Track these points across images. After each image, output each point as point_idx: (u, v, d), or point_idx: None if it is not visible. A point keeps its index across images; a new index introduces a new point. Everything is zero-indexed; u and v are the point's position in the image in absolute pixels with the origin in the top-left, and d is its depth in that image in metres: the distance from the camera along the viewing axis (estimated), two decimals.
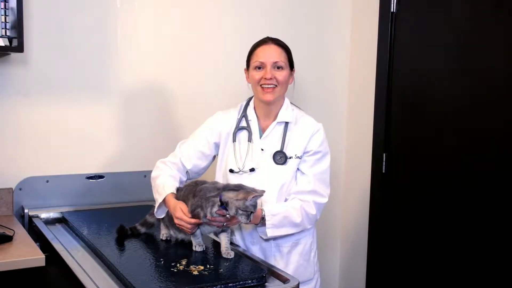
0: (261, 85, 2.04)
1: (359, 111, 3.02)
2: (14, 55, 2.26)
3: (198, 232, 1.88)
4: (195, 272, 1.65)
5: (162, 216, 1.99)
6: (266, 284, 1.67)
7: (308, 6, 2.94)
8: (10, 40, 2.02)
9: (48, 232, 2.09)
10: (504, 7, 2.32)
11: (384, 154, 2.85)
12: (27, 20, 2.20)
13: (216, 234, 1.91)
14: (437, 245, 2.61)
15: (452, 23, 2.52)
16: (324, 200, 2.07)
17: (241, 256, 1.86)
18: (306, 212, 2.02)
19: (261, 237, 2.02)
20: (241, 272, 1.69)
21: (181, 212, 1.84)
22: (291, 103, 2.17)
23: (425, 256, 2.67)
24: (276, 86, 2.04)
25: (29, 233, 2.08)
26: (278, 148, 2.07)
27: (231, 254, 1.82)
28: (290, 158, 2.06)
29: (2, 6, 2.00)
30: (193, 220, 1.82)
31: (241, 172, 2.07)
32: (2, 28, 2.00)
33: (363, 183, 2.99)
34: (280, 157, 2.06)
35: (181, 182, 2.11)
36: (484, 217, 2.41)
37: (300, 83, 2.97)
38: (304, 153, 2.08)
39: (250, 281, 1.63)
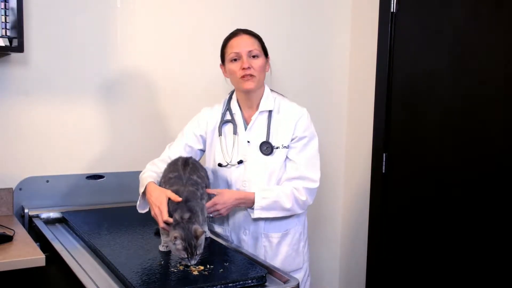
0: (240, 76, 2.07)
1: (359, 111, 3.02)
2: (14, 55, 2.26)
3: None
4: (195, 272, 1.65)
5: (145, 211, 1.97)
6: (266, 284, 1.66)
7: (308, 6, 2.94)
8: (10, 40, 2.02)
9: (48, 232, 2.09)
10: (504, 7, 2.32)
11: (384, 154, 2.85)
12: (27, 20, 2.20)
13: None
14: (437, 245, 2.61)
15: (452, 23, 2.52)
16: (315, 185, 2.10)
17: (241, 256, 1.86)
18: (296, 198, 2.06)
19: (254, 220, 2.08)
20: (241, 272, 1.69)
21: (164, 205, 1.77)
22: (272, 90, 2.19)
23: (425, 256, 2.67)
24: (254, 75, 2.06)
25: (29, 233, 2.07)
26: (264, 139, 2.10)
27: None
28: (277, 148, 2.09)
29: (2, 6, 1.99)
30: (169, 220, 1.75)
31: (229, 166, 2.11)
32: (2, 28, 2.00)
33: (363, 183, 2.99)
34: (267, 148, 2.09)
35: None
36: (484, 217, 2.41)
37: (300, 83, 2.97)
38: (291, 140, 2.10)
39: (250, 281, 1.63)
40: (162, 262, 1.72)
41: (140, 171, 2.53)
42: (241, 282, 1.61)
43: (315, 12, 2.96)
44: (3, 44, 2.01)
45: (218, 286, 1.57)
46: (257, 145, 2.10)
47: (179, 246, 1.66)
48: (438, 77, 2.58)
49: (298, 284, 1.69)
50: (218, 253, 1.86)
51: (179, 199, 1.79)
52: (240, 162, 2.10)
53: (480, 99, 2.42)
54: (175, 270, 1.66)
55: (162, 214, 1.76)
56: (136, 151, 2.57)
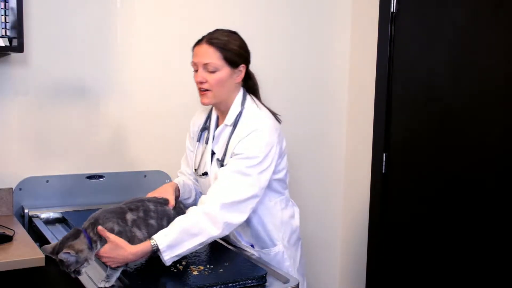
0: (199, 88, 1.89)
1: (359, 111, 3.02)
2: (14, 55, 2.26)
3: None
4: (195, 272, 1.65)
5: None
6: (266, 284, 1.67)
7: (308, 6, 2.94)
8: (10, 40, 2.02)
9: (48, 232, 2.09)
10: (504, 7, 2.32)
11: (384, 154, 2.85)
12: (27, 20, 2.20)
13: None
14: (437, 245, 2.61)
15: (452, 23, 2.52)
16: (218, 202, 1.75)
17: (241, 256, 1.86)
18: (210, 215, 1.74)
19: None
20: (241, 272, 1.69)
21: (156, 194, 1.86)
22: (249, 94, 1.97)
23: (425, 257, 2.67)
24: (209, 90, 1.86)
25: (29, 233, 2.08)
26: (222, 153, 1.92)
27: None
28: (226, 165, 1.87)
29: (2, 6, 2.00)
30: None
31: (198, 175, 2.02)
32: (2, 28, 2.00)
33: (363, 183, 2.99)
34: (222, 164, 1.90)
35: (196, 190, 2.09)
36: (484, 217, 2.41)
37: (300, 84, 2.97)
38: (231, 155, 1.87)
39: (250, 281, 1.63)
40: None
41: (140, 171, 2.55)
42: (241, 282, 1.61)
43: (315, 12, 2.96)
44: (3, 44, 2.01)
45: (218, 286, 1.57)
46: (219, 159, 1.91)
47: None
48: (438, 77, 2.58)
49: (298, 284, 1.69)
50: (218, 253, 1.86)
51: (173, 204, 1.80)
52: (205, 174, 1.96)
53: (480, 99, 2.42)
54: (175, 270, 1.66)
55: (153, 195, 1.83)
56: (136, 151, 2.57)
